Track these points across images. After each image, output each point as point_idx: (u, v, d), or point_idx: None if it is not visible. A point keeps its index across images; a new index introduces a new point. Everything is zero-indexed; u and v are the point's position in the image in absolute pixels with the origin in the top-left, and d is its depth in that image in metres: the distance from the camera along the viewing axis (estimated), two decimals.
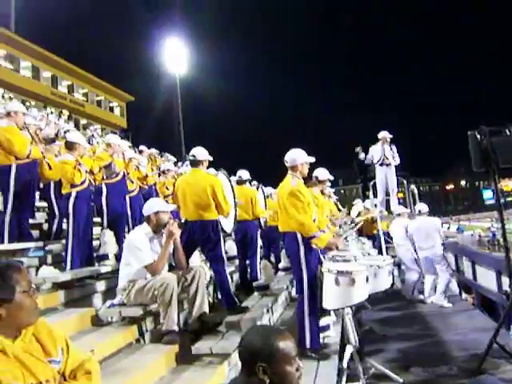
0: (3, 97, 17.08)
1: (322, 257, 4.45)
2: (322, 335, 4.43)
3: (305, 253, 4.20)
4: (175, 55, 36.03)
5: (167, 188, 7.95)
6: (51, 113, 17.08)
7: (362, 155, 9.26)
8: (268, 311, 5.14)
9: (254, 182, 8.24)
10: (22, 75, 28.30)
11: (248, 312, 4.73)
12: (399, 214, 8.62)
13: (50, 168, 5.83)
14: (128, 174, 6.42)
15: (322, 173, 5.96)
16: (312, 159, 4.50)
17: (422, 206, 8.10)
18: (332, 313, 4.81)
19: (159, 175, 8.36)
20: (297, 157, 4.40)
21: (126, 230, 6.01)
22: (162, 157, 12.59)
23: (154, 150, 10.85)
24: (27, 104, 19.71)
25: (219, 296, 5.13)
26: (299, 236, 4.20)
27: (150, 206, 4.10)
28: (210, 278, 5.06)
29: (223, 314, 4.56)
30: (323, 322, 4.48)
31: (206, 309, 4.09)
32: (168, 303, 3.70)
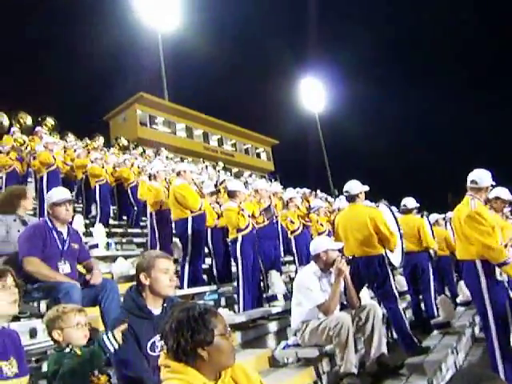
0: (166, 157, 19.36)
1: (509, 289, 3.85)
2: None
3: (487, 284, 3.68)
4: (313, 94, 37.34)
5: (321, 225, 7.95)
6: (206, 167, 18.89)
7: None
8: (453, 352, 4.61)
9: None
10: (178, 136, 32.02)
11: (430, 353, 4.32)
12: None
13: (218, 217, 6.35)
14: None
15: (497, 192, 5.26)
16: (493, 183, 4.03)
17: None
18: None
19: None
20: (486, 178, 3.96)
21: (294, 269, 6.07)
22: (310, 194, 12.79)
23: (306, 190, 11.08)
24: (185, 160, 22.12)
25: (394, 335, 4.80)
26: (479, 265, 3.71)
27: (319, 245, 4.06)
28: (383, 315, 4.77)
29: (402, 355, 4.24)
30: None
31: (385, 349, 3.82)
32: (344, 344, 3.55)
